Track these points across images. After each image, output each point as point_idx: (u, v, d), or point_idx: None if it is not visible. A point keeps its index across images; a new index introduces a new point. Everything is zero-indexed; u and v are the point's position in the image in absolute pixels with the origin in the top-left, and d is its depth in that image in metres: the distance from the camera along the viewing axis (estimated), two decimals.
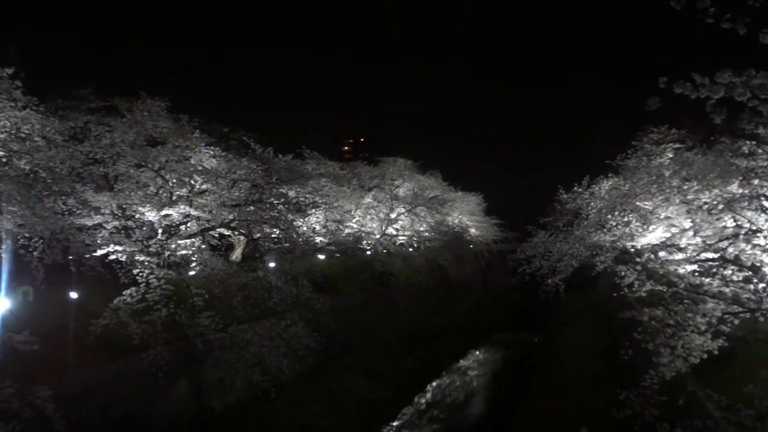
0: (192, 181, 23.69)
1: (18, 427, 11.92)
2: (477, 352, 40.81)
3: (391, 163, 46.19)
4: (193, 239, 23.21)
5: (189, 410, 20.19)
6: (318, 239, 34.41)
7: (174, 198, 22.94)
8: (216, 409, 21.14)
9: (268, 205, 25.94)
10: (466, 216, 60.14)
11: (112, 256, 19.69)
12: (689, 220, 18.00)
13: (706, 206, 16.21)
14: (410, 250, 50.49)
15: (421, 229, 48.31)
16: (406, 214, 45.57)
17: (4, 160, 16.13)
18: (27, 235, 15.03)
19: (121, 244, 19.69)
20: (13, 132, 16.13)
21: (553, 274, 25.54)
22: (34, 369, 13.98)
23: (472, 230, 61.81)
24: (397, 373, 30.43)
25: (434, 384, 32.08)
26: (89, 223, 20.28)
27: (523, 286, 31.61)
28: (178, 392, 19.96)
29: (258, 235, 29.18)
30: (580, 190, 31.58)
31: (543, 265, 25.83)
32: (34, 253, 15.44)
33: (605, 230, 23.46)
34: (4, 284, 15.13)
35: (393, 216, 44.25)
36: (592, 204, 29.20)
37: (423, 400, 29.25)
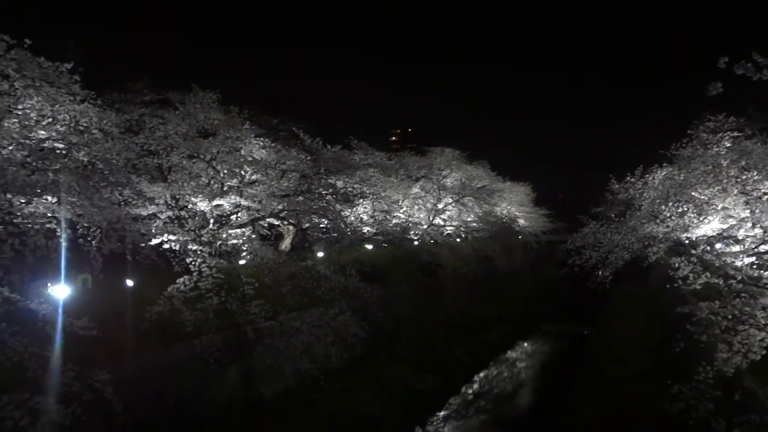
0: (242, 172, 24.08)
1: (79, 409, 12.36)
2: (525, 344, 40.48)
3: (438, 153, 45.98)
4: (243, 229, 23.62)
5: (239, 396, 20.61)
6: (366, 229, 34.58)
7: (225, 188, 23.37)
8: (266, 396, 21.53)
9: (316, 196, 26.18)
10: (515, 206, 59.55)
11: (166, 245, 20.17)
12: (748, 210, 17.45)
13: (766, 197, 15.68)
14: (458, 240, 50.28)
15: (469, 219, 48.06)
16: (453, 204, 45.37)
17: (64, 152, 16.67)
18: (86, 224, 15.49)
19: (174, 234, 20.14)
20: (72, 125, 16.63)
21: (604, 265, 25.07)
22: (93, 353, 14.46)
23: (521, 221, 61.20)
24: (445, 363, 30.42)
25: (481, 375, 31.97)
26: (144, 213, 20.84)
27: (573, 277, 31.16)
28: (229, 378, 20.39)
29: (307, 225, 29.52)
30: (632, 180, 30.84)
31: (593, 256, 25.37)
32: (93, 242, 15.94)
33: (658, 221, 22.89)
34: (64, 272, 15.66)
35: (440, 206, 44.11)
36: (645, 194, 28.45)
37: (470, 391, 29.20)
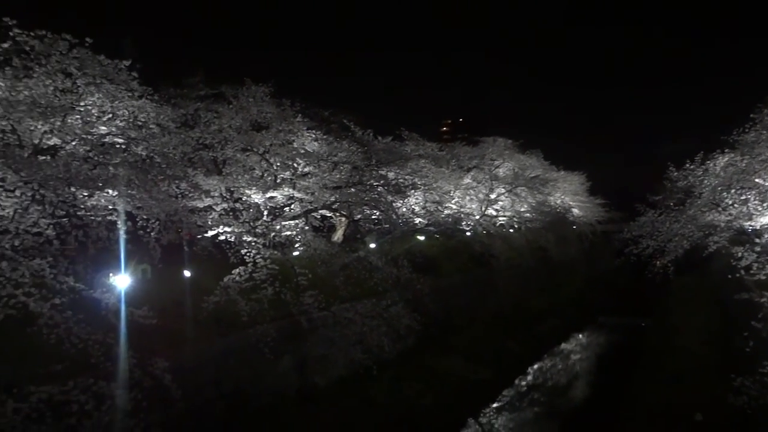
0: (295, 164, 24.33)
1: (140, 394, 12.80)
2: (580, 336, 39.86)
3: (490, 143, 45.44)
4: (296, 220, 23.90)
5: (294, 385, 20.94)
6: (417, 220, 34.53)
7: (278, 181, 23.68)
8: (319, 385, 21.81)
9: (368, 187, 26.27)
10: (569, 196, 58.48)
11: (222, 237, 20.58)
12: None
13: None
14: (511, 230, 49.71)
15: (522, 209, 47.43)
16: (506, 194, 44.84)
17: (123, 146, 17.22)
18: (144, 216, 15.96)
19: (229, 226, 20.54)
20: (131, 120, 17.15)
21: (662, 255, 24.44)
22: (153, 342, 14.92)
23: (575, 210, 60.08)
24: (498, 354, 30.23)
25: (535, 367, 31.66)
26: (200, 205, 21.31)
27: (629, 267, 30.57)
28: (283, 367, 20.74)
29: (359, 216, 29.66)
30: (692, 166, 29.85)
31: (651, 246, 24.74)
32: (151, 234, 16.41)
33: (720, 209, 22.16)
34: (125, 262, 16.19)
35: (493, 196, 43.65)
36: (706, 181, 27.52)
37: (524, 383, 28.96)
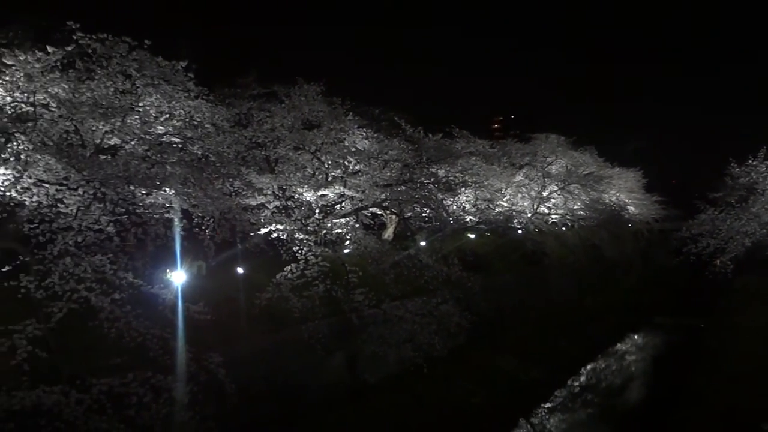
0: (346, 162, 24.49)
1: (195, 388, 13.11)
2: (635, 336, 38.97)
3: (542, 139, 44.84)
4: (347, 218, 24.05)
5: (344, 382, 21.11)
6: (468, 218, 34.34)
7: (329, 179, 23.87)
8: (370, 382, 21.91)
9: (418, 185, 26.24)
10: (624, 193, 57.21)
11: (274, 234, 20.86)
12: None
13: None
14: (563, 229, 48.98)
15: (575, 207, 46.63)
16: (558, 192, 44.17)
17: (179, 146, 17.64)
18: (200, 214, 16.33)
19: (281, 223, 20.81)
20: (187, 120, 17.54)
21: (723, 253, 23.75)
22: (208, 336, 15.24)
23: (631, 208, 58.75)
24: (550, 354, 29.79)
25: (588, 367, 31.10)
26: (253, 203, 21.67)
27: (688, 266, 29.69)
28: (335, 364, 20.93)
29: (409, 214, 29.66)
30: (755, 162, 28.87)
31: (711, 244, 24.09)
32: (206, 231, 16.78)
33: None
34: (181, 259, 16.60)
35: (545, 194, 43.07)
36: None
37: (577, 383, 28.48)
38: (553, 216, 46.04)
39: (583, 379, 29.35)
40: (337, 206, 24.34)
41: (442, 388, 22.48)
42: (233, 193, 20.03)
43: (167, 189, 15.24)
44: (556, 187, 43.71)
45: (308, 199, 22.88)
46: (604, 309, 41.05)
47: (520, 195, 41.47)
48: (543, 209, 43.81)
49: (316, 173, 24.11)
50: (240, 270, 20.75)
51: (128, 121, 16.03)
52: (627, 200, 57.72)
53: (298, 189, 22.62)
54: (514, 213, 39.70)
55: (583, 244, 48.51)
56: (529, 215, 41.81)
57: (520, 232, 41.63)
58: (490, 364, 26.29)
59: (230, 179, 19.52)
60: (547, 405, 25.21)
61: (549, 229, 44.59)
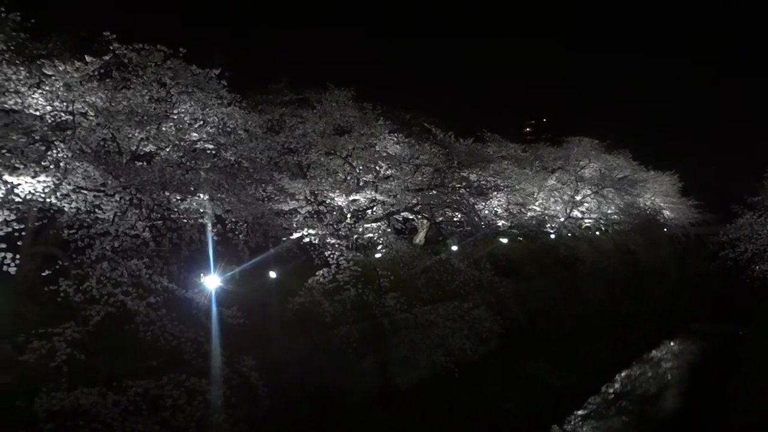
0: (377, 167, 24.58)
1: (228, 391, 13.26)
2: (671, 343, 38.26)
3: (575, 143, 44.38)
4: (378, 223, 24.14)
5: (375, 386, 21.15)
6: (500, 222, 34.17)
7: (361, 184, 23.99)
8: (401, 387, 21.92)
9: (449, 189, 26.22)
10: (659, 197, 56.29)
11: (306, 239, 21.04)
12: None
13: None
14: (597, 233, 48.39)
15: (609, 211, 46.05)
16: (592, 196, 43.68)
17: (213, 152, 17.91)
18: (233, 219, 16.54)
19: (313, 228, 20.97)
20: (221, 126, 17.81)
21: (762, 259, 23.22)
22: (240, 340, 15.39)
23: (666, 212, 57.79)
24: (583, 360, 29.42)
25: (623, 374, 30.61)
26: (286, 208, 21.88)
27: (725, 272, 29.07)
28: (366, 368, 20.98)
29: (440, 218, 29.65)
30: None
31: (748, 249, 23.55)
32: (240, 236, 16.98)
33: None
34: (214, 264, 16.82)
35: (578, 198, 42.65)
36: None
37: (611, 390, 28.07)
38: (586, 220, 45.53)
39: (617, 385, 28.91)
40: (369, 211, 24.44)
41: (474, 394, 22.38)
42: (266, 199, 20.24)
43: (201, 194, 15.48)
44: (589, 191, 43.23)
45: (340, 203, 23.01)
46: (639, 315, 40.40)
47: (552, 199, 41.13)
48: (576, 213, 43.38)
49: (348, 178, 24.25)
50: (272, 274, 20.94)
51: (163, 128, 16.33)
52: (662, 204, 56.80)
53: (330, 194, 22.77)
54: (546, 217, 39.39)
55: (618, 249, 47.87)
56: (562, 219, 41.43)
57: (552, 236, 41.27)
58: (522, 369, 26.09)
59: (263, 185, 19.73)
60: (581, 412, 24.90)
61: (582, 233, 44.09)
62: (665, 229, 57.96)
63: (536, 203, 38.40)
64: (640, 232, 48.55)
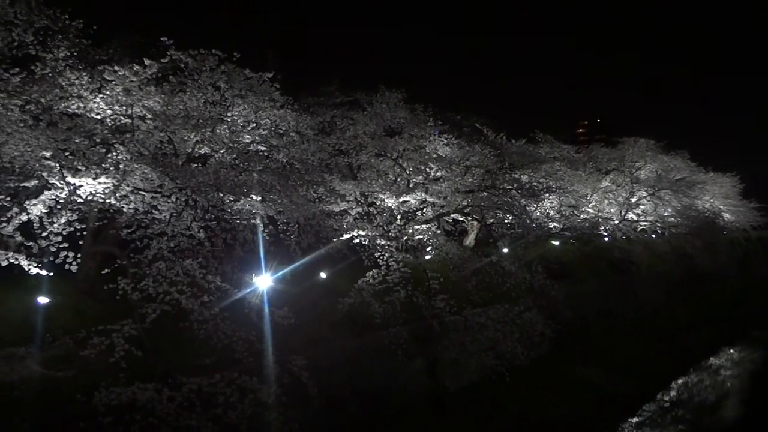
0: (427, 169, 24.55)
1: (279, 390, 13.44)
2: (731, 350, 36.98)
3: (630, 144, 43.34)
4: (428, 224, 24.09)
5: (425, 388, 21.08)
6: (552, 224, 33.65)
7: (411, 185, 23.99)
8: (450, 389, 21.81)
9: (500, 191, 25.98)
10: (719, 199, 54.50)
11: (356, 240, 21.16)
12: None
13: None
14: (653, 236, 47.17)
15: (666, 214, 44.81)
16: (648, 198, 42.58)
17: (266, 154, 18.22)
18: (285, 220, 16.79)
19: (363, 229, 21.06)
20: (273, 129, 18.10)
21: None
22: (291, 340, 15.58)
23: (726, 215, 55.91)
24: (637, 366, 28.72)
25: (679, 381, 29.74)
26: (336, 209, 22.04)
27: None
28: (415, 370, 20.95)
29: (491, 220, 29.41)
30: None
31: None
32: (291, 237, 17.20)
33: None
34: (266, 264, 17.08)
35: (633, 200, 41.66)
36: None
37: (666, 398, 27.30)
38: (641, 223, 44.45)
39: (673, 393, 28.11)
40: (419, 212, 24.42)
41: (525, 398, 22.13)
42: (317, 200, 20.47)
43: (254, 196, 15.77)
44: (645, 193, 42.17)
45: (390, 205, 23.06)
46: (696, 320, 39.26)
47: (606, 201, 40.27)
48: (631, 216, 42.39)
49: (398, 179, 24.28)
50: (322, 275, 21.13)
51: (218, 131, 16.68)
52: (722, 207, 54.98)
53: (380, 195, 22.84)
54: (600, 220, 38.63)
55: (675, 253, 46.50)
56: (617, 222, 40.55)
57: (606, 239, 40.49)
58: (574, 374, 25.65)
59: (314, 186, 19.98)
60: (635, 419, 24.30)
61: (637, 236, 43.04)
62: (725, 233, 56.12)
63: (589, 205, 37.67)
64: (699, 235, 47.04)
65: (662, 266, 44.34)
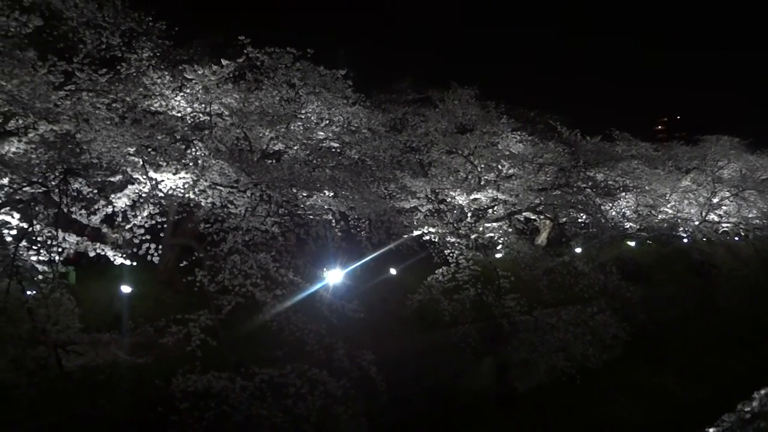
0: (499, 166, 24.32)
1: (348, 383, 13.61)
2: None
3: (713, 142, 41.54)
4: (499, 222, 23.88)
5: (493, 387, 20.91)
6: (628, 225, 32.74)
7: (482, 182, 23.82)
8: (519, 390, 21.54)
9: (574, 189, 25.48)
10: None
11: (426, 237, 21.18)
12: None
13: None
14: (735, 239, 45.15)
15: (751, 215, 42.75)
16: (731, 198, 40.74)
17: (338, 150, 18.47)
18: (356, 216, 16.97)
19: (434, 226, 21.06)
20: (346, 125, 18.32)
21: None
22: (360, 335, 15.74)
23: None
24: (717, 374, 27.56)
25: (762, 392, 28.34)
26: (407, 206, 22.13)
27: None
28: (483, 369, 20.80)
29: (564, 219, 28.87)
30: None
31: None
32: (362, 233, 17.37)
33: None
34: (338, 259, 17.32)
35: (715, 201, 39.96)
36: None
37: (748, 408, 26.06)
38: (724, 225, 42.61)
39: (755, 404, 26.80)
40: (490, 210, 24.21)
41: (596, 402, 21.61)
42: (388, 196, 20.59)
43: (326, 192, 16.00)
44: (728, 194, 40.36)
45: (460, 202, 22.96)
46: None
47: (686, 201, 38.79)
48: (712, 217, 40.69)
49: (469, 177, 24.15)
50: (392, 271, 21.24)
51: (292, 127, 17.01)
52: None
53: (451, 192, 22.77)
54: (679, 220, 37.30)
55: (759, 256, 44.35)
56: (697, 223, 39.02)
57: (685, 241, 39.09)
58: (648, 379, 24.86)
59: (385, 182, 20.10)
60: (712, 429, 23.34)
61: (719, 238, 41.27)
62: None
63: (668, 205, 36.41)
64: None
65: (745, 270, 42.31)
